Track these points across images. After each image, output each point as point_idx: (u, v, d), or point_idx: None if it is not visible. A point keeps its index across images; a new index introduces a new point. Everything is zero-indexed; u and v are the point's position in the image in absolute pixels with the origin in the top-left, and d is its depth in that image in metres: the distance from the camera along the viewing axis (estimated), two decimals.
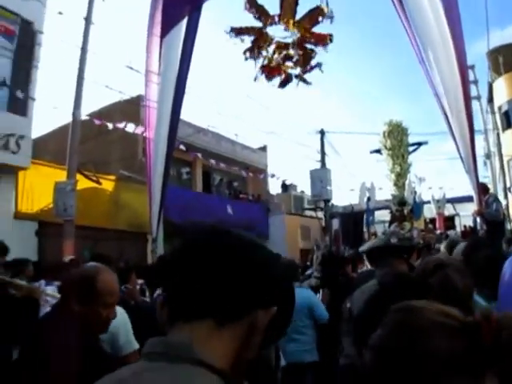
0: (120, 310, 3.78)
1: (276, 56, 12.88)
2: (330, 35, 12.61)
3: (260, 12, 12.47)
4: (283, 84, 13.44)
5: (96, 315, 2.91)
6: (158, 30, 12.70)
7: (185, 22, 12.47)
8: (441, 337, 1.20)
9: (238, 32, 12.67)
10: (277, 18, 12.44)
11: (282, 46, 12.79)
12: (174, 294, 1.30)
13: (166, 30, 12.58)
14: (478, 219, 9.81)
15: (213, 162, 23.12)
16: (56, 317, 2.97)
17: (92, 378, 1.30)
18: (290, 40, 12.75)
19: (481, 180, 10.62)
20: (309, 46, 12.70)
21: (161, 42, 12.59)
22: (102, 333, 3.10)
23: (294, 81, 13.49)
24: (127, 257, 13.69)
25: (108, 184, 17.83)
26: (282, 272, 1.41)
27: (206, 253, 1.29)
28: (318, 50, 12.81)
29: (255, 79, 13.38)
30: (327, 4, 12.21)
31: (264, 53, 13.00)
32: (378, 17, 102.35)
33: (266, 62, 13.05)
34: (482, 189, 10.18)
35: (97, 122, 14.78)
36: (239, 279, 1.26)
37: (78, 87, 13.53)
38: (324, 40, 12.62)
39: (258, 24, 12.78)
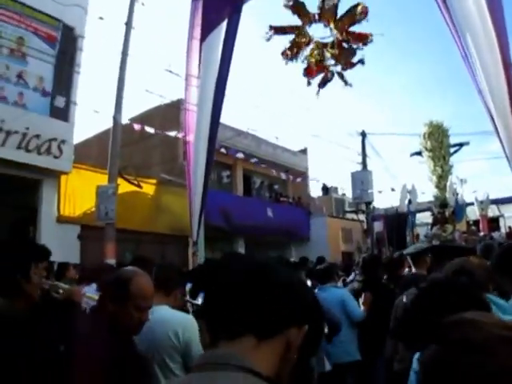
0: (191, 320, 3.96)
1: (315, 54, 12.76)
2: (371, 35, 12.48)
3: (299, 9, 12.38)
4: (324, 83, 13.29)
5: (128, 316, 3.01)
6: (197, 33, 12.78)
7: (224, 24, 12.52)
8: (506, 352, 1.15)
9: (277, 30, 12.59)
10: (317, 17, 12.35)
11: (320, 46, 12.69)
12: (216, 315, 1.41)
13: (205, 32, 12.65)
14: None
15: (253, 164, 23.15)
16: (90, 318, 3.15)
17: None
18: (329, 40, 12.65)
19: None
20: (348, 45, 12.58)
21: (200, 45, 12.67)
22: (135, 334, 3.18)
23: (335, 80, 13.34)
24: (169, 260, 13.74)
25: (149, 188, 17.93)
26: (312, 295, 1.61)
27: (246, 280, 1.40)
28: (358, 49, 12.68)
29: (308, 83, 13.24)
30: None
31: (303, 53, 12.89)
32: (417, 15, 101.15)
33: (305, 62, 12.93)
34: None
35: (136, 126, 14.90)
36: (275, 300, 1.37)
37: (118, 91, 13.62)
38: (364, 39, 12.51)
39: (297, 22, 12.69)
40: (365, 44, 12.51)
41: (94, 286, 6.15)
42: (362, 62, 12.89)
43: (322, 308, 1.81)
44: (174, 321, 3.83)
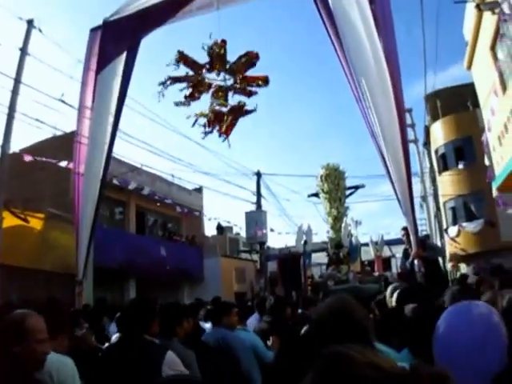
0: (68, 361, 3.80)
1: (219, 96, 12.74)
2: (266, 77, 12.58)
3: (188, 62, 12.39)
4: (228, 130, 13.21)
5: (32, 351, 3.11)
6: (94, 64, 12.48)
7: (123, 58, 12.32)
8: None
9: (175, 80, 12.53)
10: (208, 67, 12.37)
11: (222, 90, 12.68)
12: None
13: (101, 64, 12.38)
14: (416, 261, 9.73)
15: (147, 201, 22.77)
16: None
17: None
18: (229, 83, 12.65)
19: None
20: (248, 88, 12.61)
21: (96, 76, 12.37)
22: (41, 368, 3.26)
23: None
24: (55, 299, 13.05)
25: (36, 222, 17.18)
26: None
27: None
28: (257, 90, 12.73)
29: (204, 133, 13.18)
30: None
31: (206, 97, 12.87)
32: (313, 57, 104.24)
33: (208, 111, 12.86)
34: (406, 231, 10.21)
35: (27, 157, 14.26)
36: None
37: (8, 120, 13.05)
38: (262, 81, 12.58)
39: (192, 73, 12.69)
40: (262, 86, 12.58)
41: None
42: (255, 110, 12.96)
43: None
44: (48, 364, 3.55)
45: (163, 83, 12.41)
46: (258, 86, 12.56)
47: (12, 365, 3.04)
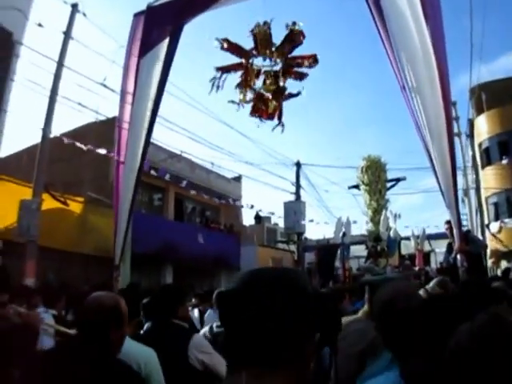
0: (154, 353, 3.87)
1: (268, 84, 12.57)
2: (314, 55, 12.36)
3: (235, 49, 12.21)
4: (279, 115, 13.05)
5: (124, 336, 3.26)
6: (136, 49, 12.44)
7: (165, 43, 12.24)
8: None
9: (225, 70, 12.38)
10: (255, 52, 12.18)
11: (271, 75, 12.51)
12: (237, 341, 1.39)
13: (144, 50, 12.33)
14: (459, 256, 9.52)
15: (185, 189, 22.73)
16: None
17: None
18: (277, 68, 12.47)
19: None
20: (298, 69, 12.42)
21: (138, 62, 12.33)
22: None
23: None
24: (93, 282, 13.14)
25: (76, 206, 17.29)
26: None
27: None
28: (307, 71, 12.53)
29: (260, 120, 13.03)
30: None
31: (255, 84, 12.70)
32: (357, 47, 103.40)
33: (255, 96, 12.69)
34: (449, 224, 10.00)
35: (66, 140, 14.27)
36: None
37: (50, 103, 13.11)
38: (311, 60, 12.37)
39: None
40: (311, 66, 12.36)
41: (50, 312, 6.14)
42: (299, 93, 12.76)
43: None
44: (136, 354, 3.70)
45: (214, 78, 12.30)
46: (308, 66, 12.35)
47: (108, 350, 3.04)
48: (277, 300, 1.35)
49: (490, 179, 28.86)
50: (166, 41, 12.25)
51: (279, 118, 12.64)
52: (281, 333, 1.33)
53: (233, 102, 12.40)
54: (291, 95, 12.66)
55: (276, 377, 1.33)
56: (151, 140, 13.31)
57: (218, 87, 12.22)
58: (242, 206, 29.11)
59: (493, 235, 28.28)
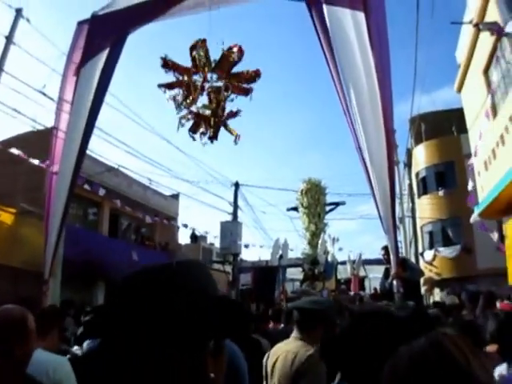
0: (64, 361, 3.86)
1: (206, 106, 12.50)
2: (257, 70, 12.33)
3: (173, 66, 12.17)
4: (214, 136, 12.97)
5: (31, 351, 3.08)
6: (77, 57, 12.16)
7: (106, 53, 11.99)
8: None
9: (168, 87, 12.30)
10: (193, 69, 12.13)
11: (216, 91, 12.42)
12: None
13: (85, 58, 12.06)
14: (395, 282, 9.46)
15: (121, 204, 22.39)
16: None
17: None
18: (220, 84, 12.41)
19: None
20: (242, 85, 12.37)
21: (78, 70, 12.03)
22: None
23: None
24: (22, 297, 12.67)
25: (7, 217, 16.73)
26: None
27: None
28: (252, 86, 12.49)
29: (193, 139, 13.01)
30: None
31: (198, 102, 12.63)
32: (302, 69, 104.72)
33: (202, 111, 12.62)
34: (386, 251, 10.00)
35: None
36: None
37: None
38: (254, 75, 12.34)
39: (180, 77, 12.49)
40: (254, 81, 12.33)
41: None
42: (238, 112, 12.74)
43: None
44: (45, 363, 3.61)
45: (162, 85, 12.24)
46: (250, 81, 12.31)
47: (12, 365, 2.89)
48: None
49: (426, 208, 29.47)
50: (107, 51, 12.03)
51: (214, 137, 12.59)
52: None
53: (180, 122, 12.39)
54: (231, 114, 12.62)
55: None
56: (88, 152, 13.03)
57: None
58: (178, 227, 28.91)
59: (427, 263, 28.76)
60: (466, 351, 1.42)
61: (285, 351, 4.32)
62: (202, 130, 12.54)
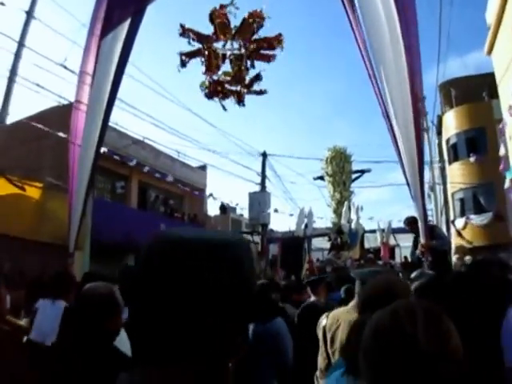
0: (124, 334, 3.67)
1: (235, 66, 12.43)
2: (279, 35, 12.20)
3: (195, 35, 12.02)
4: (240, 100, 12.92)
5: (119, 324, 3.28)
6: (98, 29, 12.08)
7: (127, 24, 11.90)
8: None
9: (189, 56, 12.19)
10: (215, 37, 12.00)
11: (238, 58, 12.32)
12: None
13: (106, 29, 11.97)
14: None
15: (149, 177, 22.44)
16: None
17: None
18: (242, 51, 12.31)
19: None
20: (263, 51, 12.26)
21: (99, 42, 11.97)
22: None
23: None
24: (50, 271, 12.74)
25: (34, 191, 16.79)
26: None
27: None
28: (274, 53, 12.37)
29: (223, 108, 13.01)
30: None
31: (221, 69, 12.57)
32: (325, 39, 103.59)
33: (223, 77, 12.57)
34: (413, 220, 9.87)
35: (28, 125, 13.86)
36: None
37: (8, 84, 12.71)
38: (276, 41, 12.21)
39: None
40: (278, 46, 12.20)
41: None
42: (260, 78, 12.65)
43: None
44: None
45: (181, 63, 12.17)
46: (273, 48, 12.19)
47: (102, 340, 3.08)
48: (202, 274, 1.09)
49: (457, 175, 29.11)
50: (128, 21, 11.94)
51: (240, 101, 12.53)
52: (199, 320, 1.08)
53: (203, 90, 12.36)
54: (254, 78, 12.57)
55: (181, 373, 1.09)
56: (114, 125, 13.03)
57: (179, 70, 12.15)
58: (207, 197, 28.93)
59: (458, 231, 28.48)
60: (419, 319, 1.47)
61: (345, 320, 4.12)
62: (224, 96, 12.53)
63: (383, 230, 23.76)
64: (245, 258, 1.18)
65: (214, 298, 1.09)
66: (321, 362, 4.66)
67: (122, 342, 3.32)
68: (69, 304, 5.93)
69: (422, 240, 9.27)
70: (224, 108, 12.90)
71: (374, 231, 24.41)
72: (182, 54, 12.21)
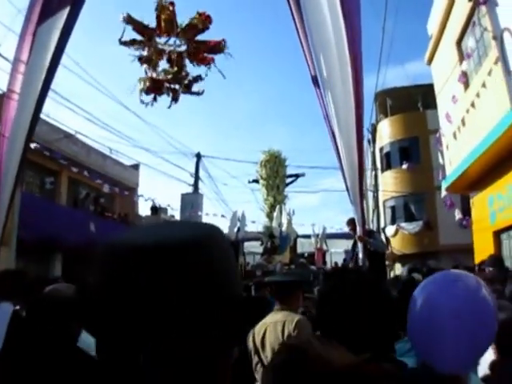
0: None
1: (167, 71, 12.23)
2: (222, 41, 12.07)
3: (138, 27, 11.78)
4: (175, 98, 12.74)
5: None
6: (35, 15, 11.65)
7: (66, 12, 11.50)
8: None
9: (130, 44, 11.92)
10: (158, 31, 11.79)
11: (175, 56, 12.11)
12: None
13: (44, 17, 11.54)
14: (361, 255, 9.33)
15: (80, 174, 21.94)
16: None
17: None
18: (182, 49, 12.13)
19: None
20: (204, 54, 12.11)
21: (35, 29, 11.54)
22: None
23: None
24: None
25: None
26: None
27: None
28: (214, 57, 12.24)
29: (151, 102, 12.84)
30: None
31: (160, 66, 12.36)
32: (264, 38, 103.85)
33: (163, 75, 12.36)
34: (353, 224, 9.86)
35: None
36: None
37: None
38: (218, 46, 12.07)
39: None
40: (220, 51, 12.07)
41: None
42: (200, 78, 12.54)
43: None
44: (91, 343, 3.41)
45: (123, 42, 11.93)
46: (214, 51, 12.03)
47: (68, 341, 3.03)
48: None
49: (389, 183, 29.65)
50: (67, 9, 11.55)
51: (175, 99, 12.37)
52: None
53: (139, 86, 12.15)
54: (194, 79, 12.43)
55: None
56: (45, 118, 12.59)
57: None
58: (139, 197, 28.53)
59: (387, 238, 28.91)
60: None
61: (271, 323, 4.47)
62: (157, 94, 12.34)
63: (317, 235, 23.90)
64: (219, 255, 0.98)
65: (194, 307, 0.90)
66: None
67: (82, 341, 3.18)
68: (18, 307, 5.50)
69: (359, 234, 9.26)
70: (143, 102, 12.73)
71: (308, 236, 24.52)
72: (121, 43, 11.93)
